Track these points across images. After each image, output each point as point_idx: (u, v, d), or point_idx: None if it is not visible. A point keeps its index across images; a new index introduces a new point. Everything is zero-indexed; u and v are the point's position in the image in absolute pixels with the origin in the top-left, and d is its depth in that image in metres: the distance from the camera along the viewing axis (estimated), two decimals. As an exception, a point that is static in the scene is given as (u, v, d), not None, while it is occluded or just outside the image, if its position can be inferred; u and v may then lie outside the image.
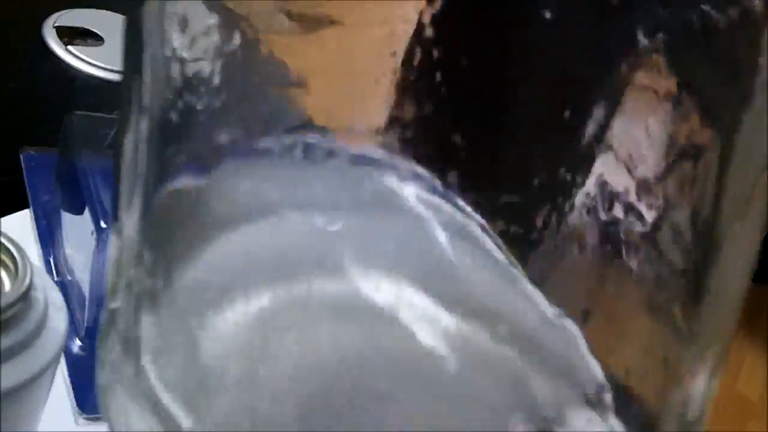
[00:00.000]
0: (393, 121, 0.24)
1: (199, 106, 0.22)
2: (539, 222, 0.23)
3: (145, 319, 0.21)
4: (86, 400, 0.40)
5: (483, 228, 0.24)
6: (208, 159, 0.23)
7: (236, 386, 0.21)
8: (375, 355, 0.23)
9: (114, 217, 0.22)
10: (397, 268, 0.24)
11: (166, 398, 0.20)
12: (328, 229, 0.23)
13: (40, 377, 0.26)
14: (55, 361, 0.27)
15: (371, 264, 0.24)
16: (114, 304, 0.22)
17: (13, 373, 0.26)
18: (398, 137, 0.24)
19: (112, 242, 0.22)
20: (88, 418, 0.40)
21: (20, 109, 0.56)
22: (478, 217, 0.24)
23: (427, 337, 0.23)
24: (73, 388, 0.41)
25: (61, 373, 0.41)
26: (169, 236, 0.22)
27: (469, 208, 0.24)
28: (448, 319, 0.23)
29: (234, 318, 0.21)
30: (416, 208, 0.24)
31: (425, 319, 0.23)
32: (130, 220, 0.21)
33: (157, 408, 0.19)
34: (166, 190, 0.22)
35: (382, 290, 0.23)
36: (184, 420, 0.19)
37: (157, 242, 0.21)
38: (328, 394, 0.21)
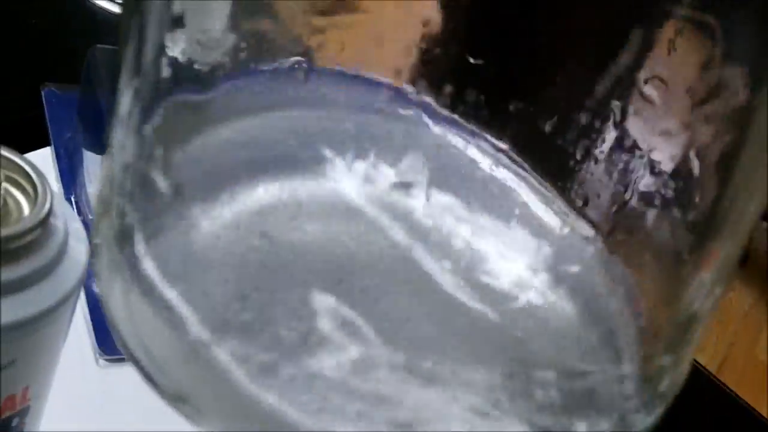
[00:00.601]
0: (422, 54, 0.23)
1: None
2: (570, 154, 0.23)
3: (140, 207, 0.20)
4: (107, 340, 0.40)
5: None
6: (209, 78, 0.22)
7: (228, 267, 0.20)
8: (366, 253, 0.22)
9: (107, 143, 0.21)
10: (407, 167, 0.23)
11: (158, 278, 0.19)
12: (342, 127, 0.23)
13: (60, 307, 0.25)
14: (75, 292, 0.26)
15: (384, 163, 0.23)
16: (98, 240, 0.21)
17: (33, 301, 0.24)
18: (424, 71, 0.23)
19: (103, 168, 0.21)
20: (108, 359, 0.39)
21: (42, 45, 0.54)
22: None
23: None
24: (93, 328, 0.40)
25: (82, 314, 0.40)
26: (169, 127, 0.21)
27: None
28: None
29: (231, 205, 0.21)
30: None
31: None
32: (129, 124, 0.20)
33: (152, 292, 0.19)
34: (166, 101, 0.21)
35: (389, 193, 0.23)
36: (169, 291, 0.19)
37: (157, 134, 0.21)
38: (316, 282, 0.20)
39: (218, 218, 0.20)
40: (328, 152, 0.23)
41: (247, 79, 0.23)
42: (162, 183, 0.20)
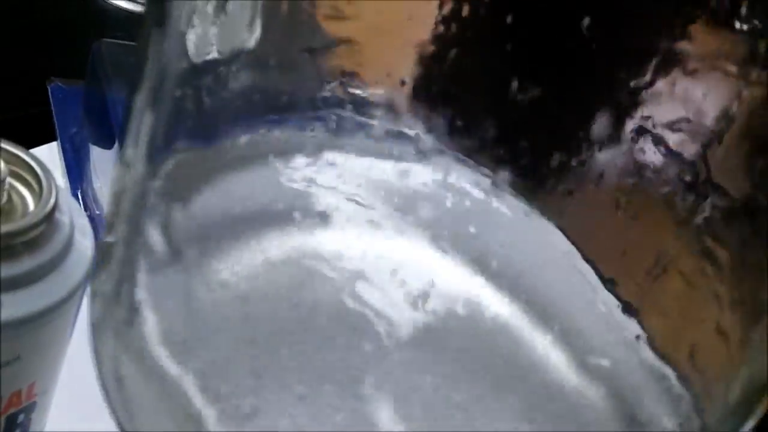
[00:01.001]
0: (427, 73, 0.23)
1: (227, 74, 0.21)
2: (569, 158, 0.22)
3: (141, 262, 0.20)
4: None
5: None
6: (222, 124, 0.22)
7: (230, 328, 0.20)
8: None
9: (121, 147, 0.21)
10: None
11: (156, 348, 0.18)
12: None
13: (66, 302, 0.25)
14: (81, 287, 0.26)
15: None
16: (111, 238, 0.21)
17: (39, 297, 0.24)
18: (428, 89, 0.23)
19: (116, 173, 0.21)
20: (115, 355, 0.39)
21: (48, 40, 0.54)
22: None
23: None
24: (100, 324, 0.40)
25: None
26: (174, 182, 0.21)
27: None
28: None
29: (231, 266, 0.20)
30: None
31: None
32: (137, 157, 0.20)
33: (147, 358, 0.18)
34: (174, 146, 0.21)
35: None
36: (173, 368, 0.18)
37: (162, 185, 0.20)
38: (325, 348, 0.20)
39: (217, 281, 0.20)
40: (334, 207, 0.22)
41: (264, 127, 0.22)
42: (161, 245, 0.19)
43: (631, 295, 0.22)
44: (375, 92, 0.23)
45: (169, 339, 0.18)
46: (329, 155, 0.23)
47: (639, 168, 0.21)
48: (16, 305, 0.24)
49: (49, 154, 0.47)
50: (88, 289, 0.39)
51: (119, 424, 0.19)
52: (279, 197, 0.22)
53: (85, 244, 0.26)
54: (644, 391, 0.21)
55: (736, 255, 0.20)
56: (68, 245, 0.25)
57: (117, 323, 0.19)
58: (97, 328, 0.20)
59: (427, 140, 0.23)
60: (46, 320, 0.25)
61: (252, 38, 0.21)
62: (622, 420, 0.21)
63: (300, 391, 0.19)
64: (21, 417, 0.28)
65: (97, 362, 0.20)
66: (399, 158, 0.24)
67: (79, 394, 0.35)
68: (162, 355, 0.18)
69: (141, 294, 0.19)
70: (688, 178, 0.20)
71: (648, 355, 0.21)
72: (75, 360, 0.30)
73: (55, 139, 0.48)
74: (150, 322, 0.18)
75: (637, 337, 0.22)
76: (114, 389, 0.19)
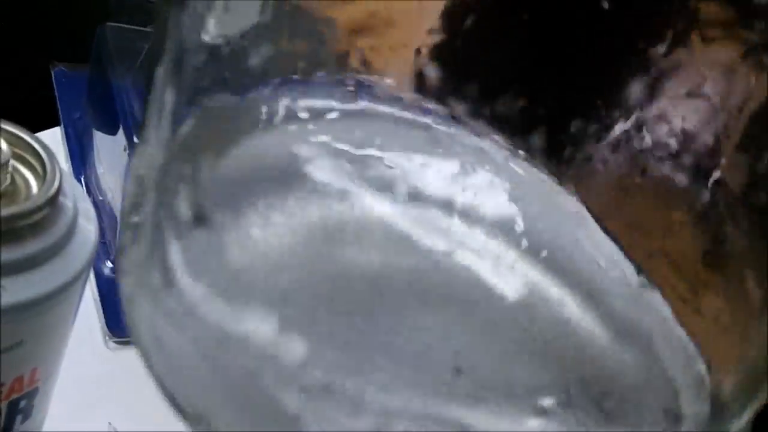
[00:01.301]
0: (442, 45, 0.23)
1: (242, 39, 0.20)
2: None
3: (172, 228, 0.19)
4: (116, 323, 0.39)
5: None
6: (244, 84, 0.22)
7: (263, 291, 0.19)
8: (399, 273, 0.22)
9: (141, 129, 0.21)
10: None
11: (195, 305, 0.18)
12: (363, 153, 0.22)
13: (69, 287, 0.25)
14: (84, 272, 0.25)
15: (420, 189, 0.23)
16: (136, 218, 0.20)
17: (41, 281, 0.24)
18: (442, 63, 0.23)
19: (137, 155, 0.21)
20: (117, 342, 0.39)
21: (52, 24, 0.54)
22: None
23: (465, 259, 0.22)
24: (103, 311, 0.40)
25: (91, 296, 0.40)
26: (200, 144, 0.21)
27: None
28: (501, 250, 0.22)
29: (266, 228, 0.20)
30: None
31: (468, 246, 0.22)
32: (160, 132, 0.20)
33: (188, 318, 0.18)
34: (200, 105, 0.20)
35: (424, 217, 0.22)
36: (214, 325, 0.18)
37: (188, 150, 0.20)
38: (350, 308, 0.20)
39: (247, 245, 0.20)
40: (356, 172, 0.22)
41: (287, 89, 0.22)
42: (185, 210, 0.19)
43: (648, 265, 0.22)
44: (391, 60, 0.23)
45: (208, 297, 0.18)
46: (349, 122, 0.23)
47: (653, 144, 0.21)
48: (20, 289, 0.24)
49: (52, 140, 0.46)
50: (93, 275, 0.39)
51: (161, 383, 0.19)
52: (301, 160, 0.22)
53: (88, 228, 0.26)
54: (665, 359, 0.21)
55: (756, 232, 0.20)
56: (72, 229, 0.25)
57: (152, 289, 0.19)
58: (131, 301, 0.20)
59: (446, 108, 0.23)
60: (50, 305, 0.25)
61: (265, 14, 0.21)
62: (647, 387, 0.21)
63: (340, 353, 0.19)
64: (23, 403, 0.27)
65: (133, 330, 0.19)
66: (418, 126, 0.23)
67: (78, 394, 0.35)
68: (202, 312, 0.18)
69: (174, 258, 0.19)
70: (703, 154, 0.20)
71: (669, 322, 0.21)
72: (75, 360, 0.30)
73: (58, 124, 0.47)
74: (185, 284, 0.18)
75: (657, 308, 0.22)
76: (155, 350, 0.19)
